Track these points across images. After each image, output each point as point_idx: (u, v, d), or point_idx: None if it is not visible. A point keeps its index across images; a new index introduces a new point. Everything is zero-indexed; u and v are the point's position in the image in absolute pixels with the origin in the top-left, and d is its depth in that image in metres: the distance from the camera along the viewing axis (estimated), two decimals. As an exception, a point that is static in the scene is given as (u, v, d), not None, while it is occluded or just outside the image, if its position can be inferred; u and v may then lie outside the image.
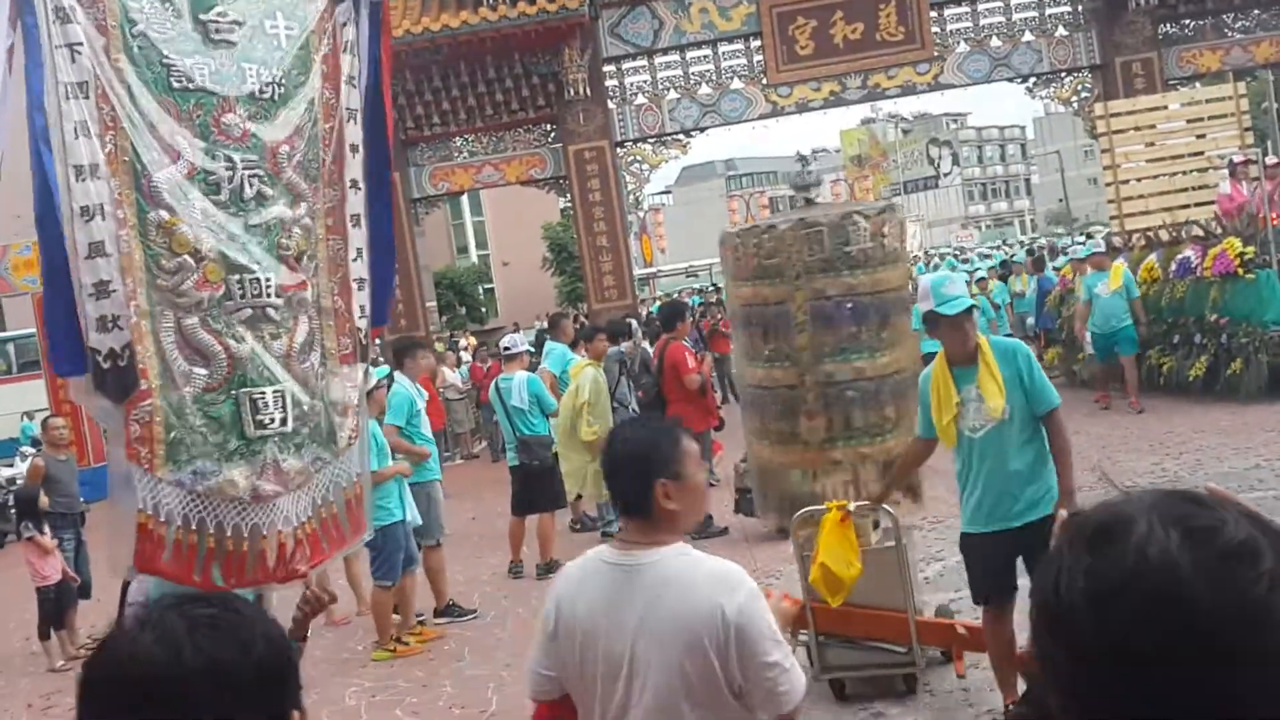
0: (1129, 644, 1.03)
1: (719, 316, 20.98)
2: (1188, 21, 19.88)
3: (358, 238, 3.60)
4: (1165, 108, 17.16)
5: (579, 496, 11.77)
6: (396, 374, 9.54)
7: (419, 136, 20.26)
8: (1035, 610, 1.14)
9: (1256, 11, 19.82)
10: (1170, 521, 1.06)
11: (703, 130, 20.81)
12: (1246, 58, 19.83)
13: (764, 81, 20.17)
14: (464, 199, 43.80)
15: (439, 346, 21.11)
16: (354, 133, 3.59)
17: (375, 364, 12.85)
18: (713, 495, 11.35)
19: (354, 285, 3.58)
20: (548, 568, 10.25)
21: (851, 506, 5.80)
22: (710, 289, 34.84)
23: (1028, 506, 5.14)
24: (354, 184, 3.60)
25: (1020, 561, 5.22)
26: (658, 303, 27.82)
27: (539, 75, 19.79)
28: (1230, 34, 19.88)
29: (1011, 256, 31.03)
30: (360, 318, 3.61)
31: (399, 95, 19.31)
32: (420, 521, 8.92)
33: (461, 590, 9.65)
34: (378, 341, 4.92)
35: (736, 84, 20.42)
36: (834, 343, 9.45)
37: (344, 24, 3.57)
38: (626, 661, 2.69)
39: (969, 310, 5.18)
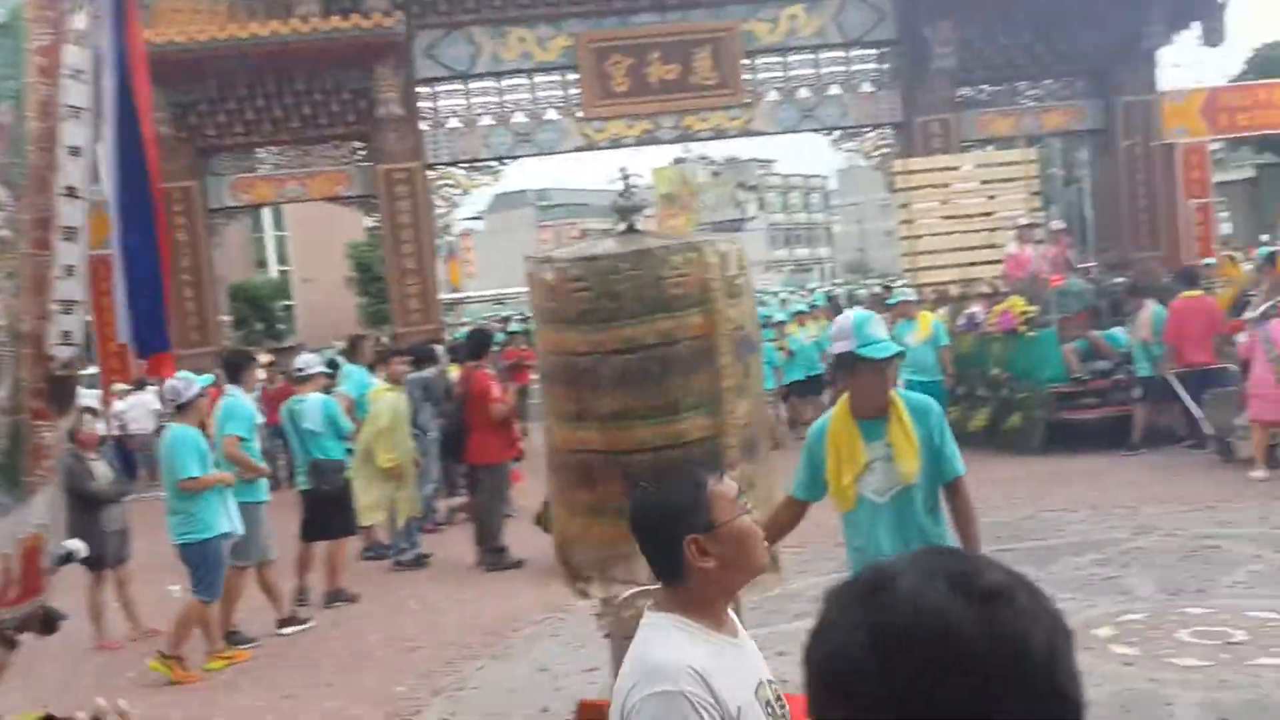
0: (916, 688, 1.07)
1: (524, 347, 20.73)
2: (984, 87, 20.86)
3: (69, 253, 3.14)
4: (959, 168, 17.94)
5: (372, 525, 11.54)
6: (231, 386, 9.34)
7: (220, 145, 19.57)
8: (811, 674, 1.16)
9: (1048, 82, 20.95)
10: (932, 573, 1.13)
11: (516, 159, 20.76)
12: (1036, 125, 20.91)
13: (578, 115, 20.24)
14: (266, 212, 42.58)
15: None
16: (75, 133, 3.14)
17: (114, 391, 11.87)
18: (509, 526, 11.25)
19: (57, 308, 3.12)
20: (334, 596, 9.97)
21: None
22: (519, 316, 34.56)
23: None
24: (70, 191, 3.14)
25: None
26: (464, 328, 27.46)
27: (350, 91, 19.37)
28: (1022, 101, 20.99)
29: (813, 304, 31.59)
30: (59, 345, 3.14)
31: (200, 102, 18.73)
32: (243, 533, 8.59)
33: (244, 617, 9.23)
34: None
35: (551, 115, 20.42)
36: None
37: (71, 11, 3.13)
38: None
39: (895, 356, 4.70)
